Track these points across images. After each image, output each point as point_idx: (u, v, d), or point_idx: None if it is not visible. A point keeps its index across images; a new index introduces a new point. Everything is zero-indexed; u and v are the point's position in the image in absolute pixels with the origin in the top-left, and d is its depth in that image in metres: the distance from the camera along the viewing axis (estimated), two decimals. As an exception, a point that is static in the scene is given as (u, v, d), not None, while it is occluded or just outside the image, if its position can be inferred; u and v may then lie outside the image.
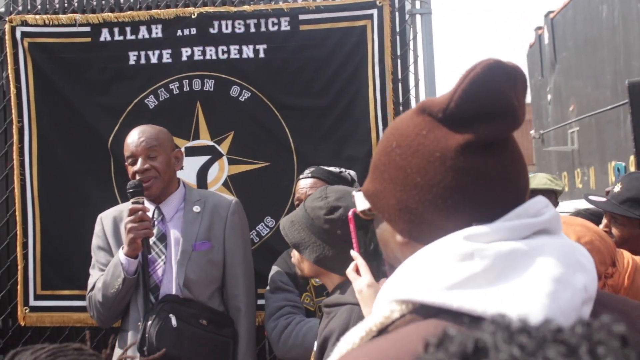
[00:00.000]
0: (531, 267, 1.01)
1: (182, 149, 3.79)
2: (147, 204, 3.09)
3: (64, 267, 3.84)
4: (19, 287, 3.92)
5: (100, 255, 3.20)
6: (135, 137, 3.16)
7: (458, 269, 1.01)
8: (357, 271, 1.85)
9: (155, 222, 3.13)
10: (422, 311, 1.03)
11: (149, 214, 3.06)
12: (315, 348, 2.18)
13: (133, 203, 3.01)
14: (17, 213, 3.94)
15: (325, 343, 2.06)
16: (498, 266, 1.01)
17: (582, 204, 4.45)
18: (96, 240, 3.25)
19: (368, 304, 1.78)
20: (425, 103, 1.12)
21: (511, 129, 1.10)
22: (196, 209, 3.22)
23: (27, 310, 3.91)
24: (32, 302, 3.90)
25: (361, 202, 1.30)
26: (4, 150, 4.04)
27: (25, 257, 3.92)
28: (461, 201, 1.07)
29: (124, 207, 3.26)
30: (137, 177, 3.09)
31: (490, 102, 1.07)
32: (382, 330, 1.08)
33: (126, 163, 3.17)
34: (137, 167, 3.10)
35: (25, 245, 3.92)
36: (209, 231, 3.20)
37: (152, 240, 3.07)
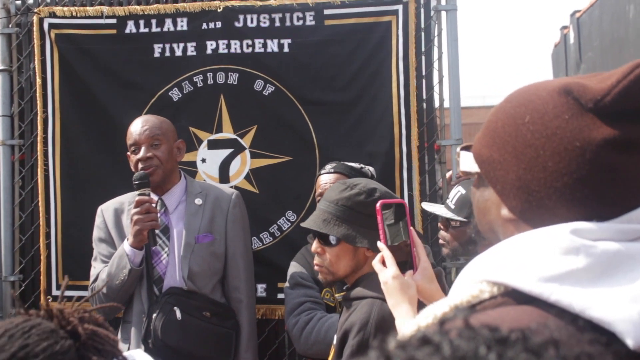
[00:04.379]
0: (633, 272, 0.97)
1: (205, 142, 3.81)
2: (151, 195, 3.11)
3: (85, 258, 3.86)
4: (42, 276, 3.95)
5: (102, 247, 3.23)
6: (138, 126, 3.18)
7: (560, 261, 0.98)
8: (383, 263, 1.85)
9: (159, 214, 3.14)
10: (515, 296, 1.01)
11: (154, 205, 3.07)
12: (335, 341, 2.18)
13: (139, 195, 3.03)
14: (40, 203, 3.97)
15: (346, 336, 2.06)
16: (601, 265, 0.97)
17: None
18: (97, 232, 3.27)
19: (393, 295, 1.79)
20: (572, 86, 1.06)
21: None
22: (198, 201, 3.24)
23: (49, 300, 3.94)
24: (55, 292, 3.94)
25: (467, 163, 1.25)
26: (29, 141, 4.07)
27: (48, 247, 3.95)
28: (589, 196, 1.03)
29: (124, 199, 3.28)
30: (140, 166, 3.11)
31: None
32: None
33: (128, 152, 3.19)
34: (140, 155, 3.12)
35: (48, 236, 3.96)
36: (211, 224, 3.23)
37: (156, 231, 3.09)
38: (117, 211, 3.24)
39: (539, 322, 0.67)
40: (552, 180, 1.05)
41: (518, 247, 1.04)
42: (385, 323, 1.98)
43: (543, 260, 0.99)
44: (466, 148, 1.28)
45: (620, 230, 1.01)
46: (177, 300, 3.07)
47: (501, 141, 1.12)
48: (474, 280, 1.07)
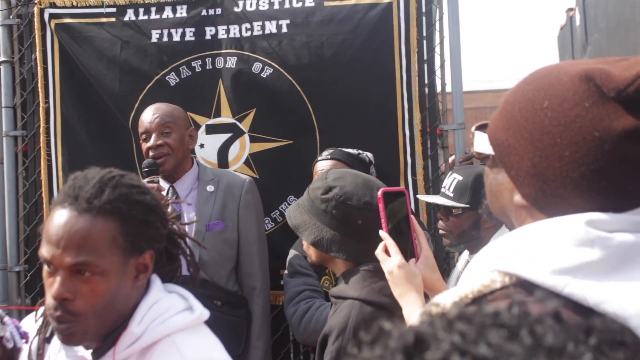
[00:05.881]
0: None
1: (203, 127, 3.79)
2: (161, 182, 3.10)
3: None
4: (47, 266, 3.95)
5: None
6: (149, 114, 3.18)
7: (574, 253, 0.96)
8: (387, 252, 1.81)
9: (170, 202, 3.13)
10: (526, 287, 0.99)
11: (163, 193, 3.06)
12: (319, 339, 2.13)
13: (148, 182, 3.00)
14: (44, 194, 3.98)
15: (325, 340, 2.02)
16: (617, 258, 0.96)
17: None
18: None
19: (399, 284, 1.76)
20: (595, 73, 1.02)
21: None
22: (210, 188, 3.21)
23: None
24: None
25: (481, 144, 1.23)
26: (32, 132, 4.07)
27: (52, 237, 3.94)
28: (607, 188, 1.00)
29: None
30: (151, 154, 3.09)
31: None
32: (477, 299, 1.04)
33: (140, 140, 3.18)
34: (151, 143, 3.11)
35: (52, 226, 3.95)
36: (223, 211, 3.21)
37: None
38: None
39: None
40: (568, 170, 1.02)
41: (531, 237, 1.02)
42: (364, 327, 1.93)
43: (557, 251, 0.98)
44: (481, 127, 1.24)
45: (636, 222, 1.00)
46: (187, 289, 3.06)
47: (517, 125, 1.09)
48: (486, 269, 1.06)
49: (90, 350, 1.58)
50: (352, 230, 2.03)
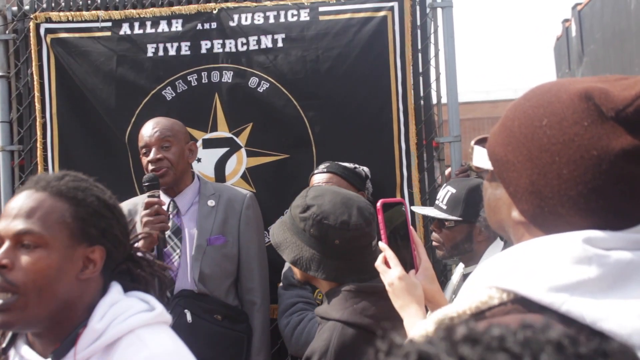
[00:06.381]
0: None
1: (200, 141, 3.79)
2: (162, 197, 3.10)
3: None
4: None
5: None
6: (149, 128, 3.19)
7: (572, 271, 0.97)
8: (387, 264, 1.80)
9: (170, 216, 3.13)
10: (524, 303, 1.00)
11: (164, 208, 3.07)
12: None
13: (149, 197, 3.01)
14: (41, 208, 3.96)
15: None
16: (614, 275, 0.96)
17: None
18: None
19: (400, 296, 1.74)
20: (594, 92, 1.03)
21: None
22: (211, 202, 3.22)
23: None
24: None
25: (480, 159, 1.23)
26: (29, 147, 4.06)
27: (49, 251, 3.94)
28: (604, 207, 1.01)
29: (138, 200, 3.25)
30: (150, 167, 3.10)
31: None
32: (475, 315, 1.04)
33: (140, 154, 3.18)
34: (150, 156, 3.12)
35: (49, 240, 3.95)
36: (224, 225, 3.21)
37: (167, 233, 3.07)
38: (130, 212, 3.21)
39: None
40: (566, 188, 1.02)
41: (529, 254, 1.03)
42: (345, 349, 1.93)
43: (554, 269, 0.98)
44: (480, 141, 1.24)
45: (633, 240, 1.00)
46: (188, 303, 3.06)
47: (517, 142, 1.09)
48: (484, 285, 1.06)
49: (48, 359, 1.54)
50: (330, 250, 2.02)
